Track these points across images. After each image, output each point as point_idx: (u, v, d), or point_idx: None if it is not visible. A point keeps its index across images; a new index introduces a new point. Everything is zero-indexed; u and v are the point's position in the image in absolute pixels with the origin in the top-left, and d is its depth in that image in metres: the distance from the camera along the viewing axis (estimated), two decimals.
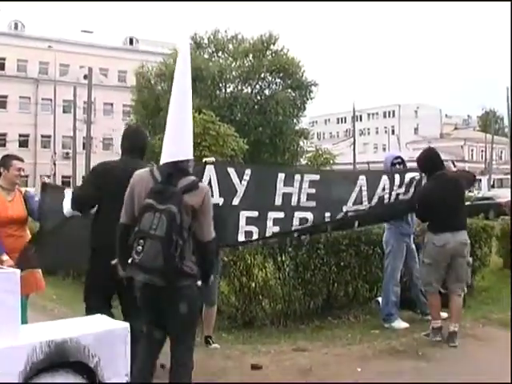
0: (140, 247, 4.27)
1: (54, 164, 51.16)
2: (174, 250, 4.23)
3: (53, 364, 4.19)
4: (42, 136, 64.46)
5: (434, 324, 6.97)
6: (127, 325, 4.72)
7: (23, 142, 64.91)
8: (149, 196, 4.36)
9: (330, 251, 7.84)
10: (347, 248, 7.95)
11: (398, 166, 8.03)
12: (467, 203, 11.26)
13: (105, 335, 4.51)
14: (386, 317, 7.74)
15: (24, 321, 6.71)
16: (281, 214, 6.53)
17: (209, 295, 6.42)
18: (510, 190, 30.91)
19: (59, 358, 4.22)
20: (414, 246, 8.05)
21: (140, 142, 5.65)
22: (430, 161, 7.26)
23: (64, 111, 59.30)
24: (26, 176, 64.50)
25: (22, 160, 6.57)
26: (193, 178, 4.56)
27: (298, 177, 6.73)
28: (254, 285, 7.53)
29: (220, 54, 40.77)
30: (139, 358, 4.59)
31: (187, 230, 4.33)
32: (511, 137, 45.81)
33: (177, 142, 4.63)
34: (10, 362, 3.97)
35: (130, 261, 4.34)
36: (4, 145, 63.75)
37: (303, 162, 40.03)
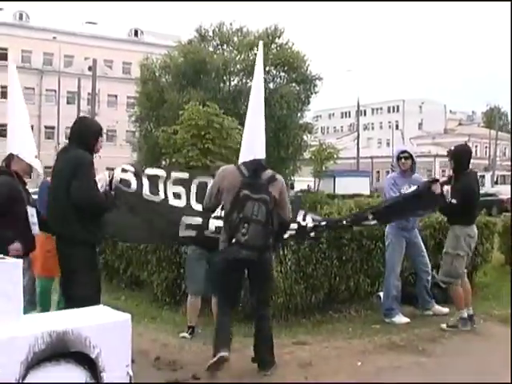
0: (245, 230, 5.33)
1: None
2: (269, 231, 5.44)
3: (54, 354, 4.21)
4: (46, 127, 64.44)
5: (462, 314, 7.21)
6: (128, 316, 4.74)
7: None
8: (243, 188, 5.39)
9: (331, 245, 7.84)
10: (349, 242, 7.96)
11: (403, 160, 7.99)
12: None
13: (106, 326, 4.53)
14: (387, 311, 7.75)
15: (46, 304, 6.82)
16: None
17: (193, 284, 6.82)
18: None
19: (60, 348, 4.24)
20: (418, 240, 8.06)
21: None
22: (466, 157, 7.56)
23: (68, 102, 59.32)
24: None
25: None
26: (271, 171, 5.67)
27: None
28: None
29: (225, 46, 40.59)
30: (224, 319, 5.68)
31: (272, 214, 5.45)
32: None
33: (256, 142, 5.78)
34: (12, 352, 3.99)
35: (233, 241, 5.39)
36: (6, 135, 63.89)
37: (307, 156, 39.99)
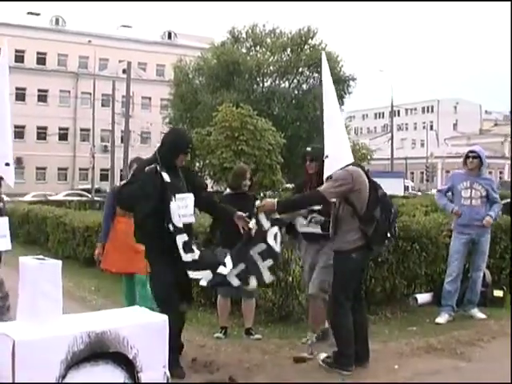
0: (395, 225, 5.93)
1: (93, 157, 51.76)
2: None
3: (93, 354, 4.25)
4: (81, 129, 65.25)
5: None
6: (165, 317, 4.76)
7: (63, 136, 65.88)
8: (376, 187, 5.77)
9: None
10: None
11: (471, 159, 7.90)
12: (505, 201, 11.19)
13: (144, 327, 4.56)
14: (442, 307, 7.83)
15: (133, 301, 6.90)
16: None
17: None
18: None
19: (99, 348, 4.28)
20: (483, 239, 7.94)
21: None
22: None
23: (103, 105, 59.95)
24: (65, 169, 65.62)
25: None
26: None
27: None
28: (291, 279, 7.51)
29: (258, 48, 40.67)
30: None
31: None
32: None
33: (345, 148, 5.95)
34: (52, 351, 4.04)
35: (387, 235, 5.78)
36: (44, 138, 64.78)
37: None
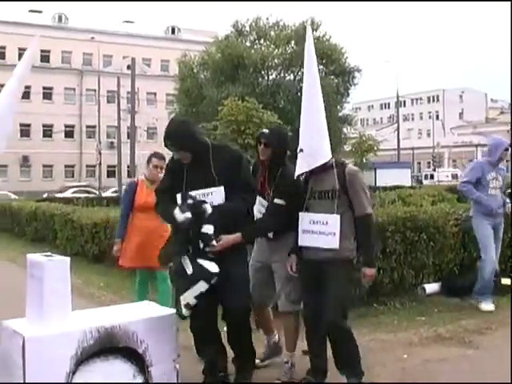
0: None
1: (100, 154, 51.91)
2: None
3: (102, 349, 4.28)
4: (87, 126, 65.40)
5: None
6: (173, 311, 4.79)
7: (69, 133, 66.01)
8: None
9: None
10: (393, 234, 7.87)
11: (505, 151, 7.99)
12: None
13: (153, 321, 4.59)
14: (478, 295, 7.82)
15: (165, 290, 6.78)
16: None
17: None
18: None
19: (109, 343, 4.31)
20: (500, 228, 8.02)
21: None
22: None
23: (108, 101, 60.10)
24: (72, 166, 65.75)
25: (160, 157, 6.98)
26: None
27: None
28: None
29: (262, 41, 40.63)
30: None
31: None
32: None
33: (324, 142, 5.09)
34: (62, 347, 4.07)
35: None
36: (50, 135, 64.93)
37: (347, 148, 39.80)
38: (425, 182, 54.40)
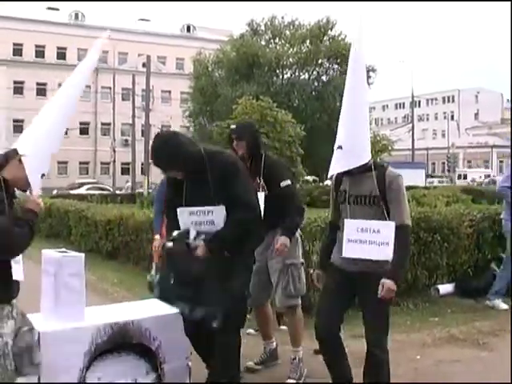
0: None
1: (114, 151, 52.09)
2: None
3: (116, 345, 4.30)
4: (102, 124, 65.63)
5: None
6: None
7: (84, 130, 66.24)
8: None
9: None
10: None
11: None
12: None
13: (166, 318, 4.58)
14: (496, 294, 7.83)
15: None
16: None
17: None
18: None
19: (122, 339, 4.32)
20: None
21: None
22: None
23: (123, 99, 60.21)
24: (87, 163, 66.01)
25: None
26: None
27: None
28: (312, 271, 7.50)
29: (277, 40, 40.62)
30: None
31: None
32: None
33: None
34: (76, 343, 4.09)
35: None
36: (66, 132, 64.74)
37: None
38: (458, 182, 54.25)
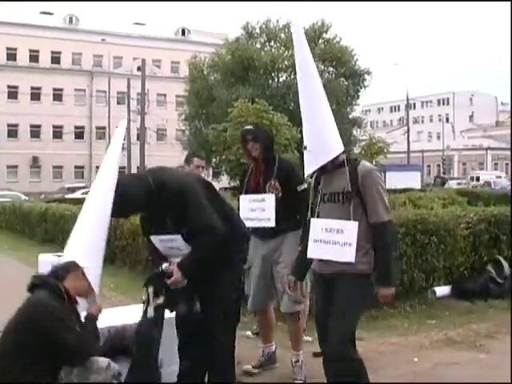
0: None
1: None
2: None
3: (113, 349, 4.28)
4: (97, 127, 65.50)
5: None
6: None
7: (79, 134, 66.18)
8: None
9: None
10: (403, 237, 7.85)
11: None
12: None
13: (164, 322, 4.57)
14: None
15: None
16: None
17: None
18: None
19: (119, 343, 4.31)
20: None
21: None
22: None
23: (118, 103, 60.16)
24: (82, 167, 65.92)
25: (202, 158, 6.99)
26: None
27: None
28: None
29: (272, 43, 40.64)
30: None
31: None
32: None
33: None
34: None
35: None
36: (60, 137, 65.13)
37: (356, 151, 39.73)
38: (472, 184, 54.52)
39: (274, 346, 5.70)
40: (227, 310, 4.40)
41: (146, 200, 4.26)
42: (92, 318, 3.97)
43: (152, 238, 4.48)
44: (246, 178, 5.53)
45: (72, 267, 3.98)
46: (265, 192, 5.27)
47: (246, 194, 5.49)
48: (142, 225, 4.72)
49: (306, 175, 4.39)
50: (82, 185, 49.42)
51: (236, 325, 4.64)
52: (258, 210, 5.29)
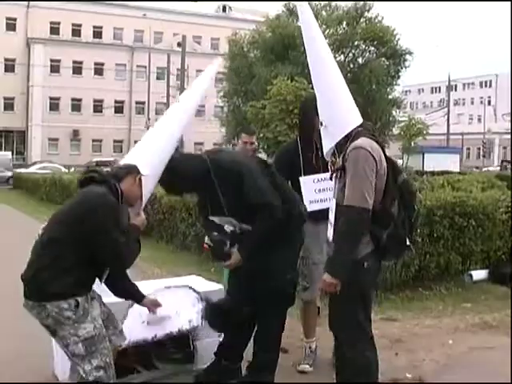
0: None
1: (148, 129, 52.30)
2: None
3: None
4: (137, 102, 65.85)
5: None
6: (221, 286, 4.83)
7: (118, 108, 66.60)
8: (396, 170, 3.94)
9: (423, 222, 7.69)
10: (441, 219, 7.79)
11: None
12: None
13: (204, 295, 4.63)
14: None
15: None
16: None
17: None
18: None
19: None
20: None
21: None
22: None
23: (158, 78, 60.41)
24: (121, 141, 66.49)
25: (251, 133, 6.58)
26: None
27: None
28: None
29: None
30: None
31: None
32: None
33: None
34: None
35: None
36: (101, 111, 65.65)
37: (395, 131, 39.36)
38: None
39: (315, 343, 5.40)
40: (280, 289, 4.37)
41: (200, 178, 4.31)
42: (136, 228, 3.83)
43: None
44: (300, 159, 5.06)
45: (133, 170, 3.89)
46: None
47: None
48: (200, 208, 4.81)
49: (325, 152, 4.12)
50: (112, 159, 49.88)
51: (288, 307, 4.60)
52: (324, 191, 4.95)
